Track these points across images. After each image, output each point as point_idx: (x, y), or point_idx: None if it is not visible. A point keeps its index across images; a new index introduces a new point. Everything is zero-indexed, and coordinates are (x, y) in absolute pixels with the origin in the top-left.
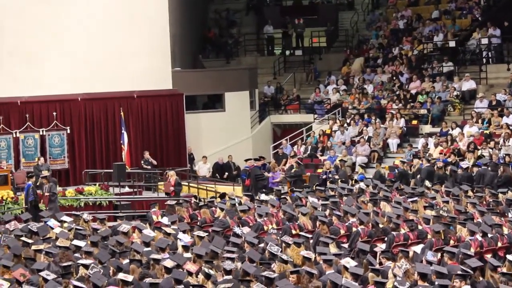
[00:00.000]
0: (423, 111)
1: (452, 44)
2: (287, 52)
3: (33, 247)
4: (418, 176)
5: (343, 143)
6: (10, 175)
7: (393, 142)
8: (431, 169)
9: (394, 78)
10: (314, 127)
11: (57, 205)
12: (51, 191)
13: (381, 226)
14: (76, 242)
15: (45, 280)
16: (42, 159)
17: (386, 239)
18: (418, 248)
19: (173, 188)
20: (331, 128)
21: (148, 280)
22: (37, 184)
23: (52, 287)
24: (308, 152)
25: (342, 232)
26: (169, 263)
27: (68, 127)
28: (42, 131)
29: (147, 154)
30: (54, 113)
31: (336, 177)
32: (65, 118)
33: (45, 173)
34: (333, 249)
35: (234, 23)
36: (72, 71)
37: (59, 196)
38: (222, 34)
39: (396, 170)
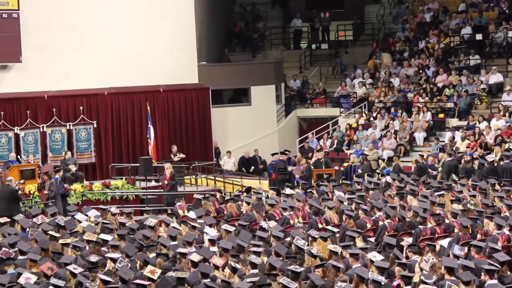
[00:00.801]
0: (449, 105)
1: (479, 37)
2: (313, 46)
3: (61, 241)
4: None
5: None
6: (37, 169)
7: (420, 136)
8: (453, 162)
9: (421, 71)
10: (340, 121)
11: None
12: (49, 189)
13: (407, 220)
14: (103, 236)
15: (73, 274)
16: (69, 153)
17: (412, 233)
18: (445, 242)
19: (167, 181)
20: (357, 122)
21: (175, 274)
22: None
23: (80, 280)
24: (334, 146)
25: (369, 226)
26: (195, 257)
27: (94, 122)
28: (69, 125)
29: (175, 148)
30: (81, 108)
31: (360, 171)
32: (91, 113)
33: (72, 167)
34: (359, 243)
35: (260, 17)
36: (98, 66)
37: (86, 190)
38: (248, 28)
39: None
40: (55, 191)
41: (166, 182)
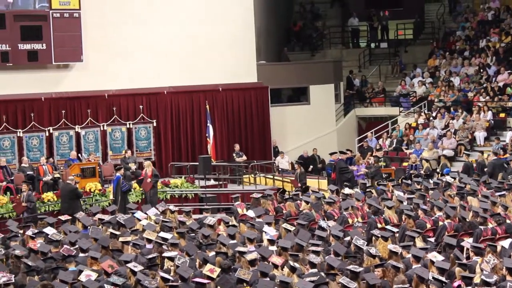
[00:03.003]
0: (511, 104)
1: None
2: (372, 45)
3: (121, 239)
4: (485, 169)
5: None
6: (98, 167)
7: (480, 135)
8: (498, 162)
9: (481, 70)
10: (400, 120)
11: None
12: (27, 201)
13: (468, 220)
14: (162, 234)
15: (133, 272)
16: (129, 152)
17: (473, 233)
18: (506, 243)
19: (150, 179)
20: (416, 121)
21: (236, 274)
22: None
23: (139, 278)
24: (394, 145)
25: (428, 226)
26: (252, 256)
27: (154, 120)
28: (129, 124)
29: (237, 147)
30: (141, 106)
31: (422, 172)
32: (151, 111)
33: (132, 166)
34: (419, 243)
35: (319, 16)
36: (158, 65)
37: None
38: (307, 27)
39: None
40: (33, 203)
41: (148, 180)
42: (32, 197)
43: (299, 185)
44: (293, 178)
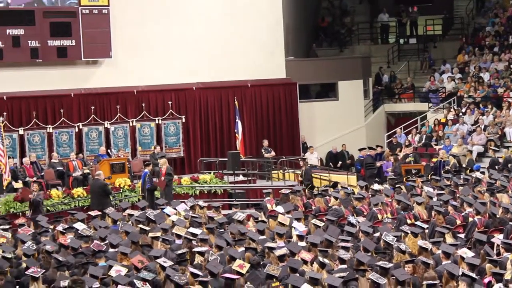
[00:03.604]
0: None
1: None
2: (401, 41)
3: (150, 234)
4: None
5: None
6: (127, 163)
7: (510, 131)
8: None
9: (511, 66)
10: (429, 116)
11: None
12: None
13: (498, 216)
14: (192, 229)
15: (162, 267)
16: (158, 147)
17: (503, 229)
18: None
19: (163, 177)
20: (446, 117)
21: (266, 270)
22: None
23: (169, 273)
24: (423, 141)
25: (458, 222)
26: (283, 252)
27: (183, 116)
28: (158, 120)
29: (266, 143)
30: (170, 102)
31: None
32: (180, 107)
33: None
34: (449, 239)
35: (347, 11)
36: (187, 61)
37: (175, 184)
38: (335, 23)
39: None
40: (40, 201)
41: (162, 178)
42: (41, 196)
43: (300, 180)
44: (299, 174)
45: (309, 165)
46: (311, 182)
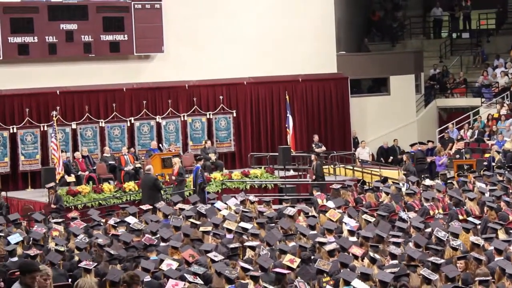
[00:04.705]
0: None
1: None
2: (454, 35)
3: (201, 229)
4: None
5: None
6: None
7: None
8: None
9: None
10: (482, 111)
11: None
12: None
13: None
14: (242, 224)
15: (213, 262)
16: (209, 142)
17: None
18: None
19: (174, 177)
20: (499, 112)
21: (316, 265)
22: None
23: (220, 268)
24: (475, 136)
25: (511, 218)
26: (333, 246)
27: (234, 111)
28: (209, 114)
29: (316, 138)
30: (221, 97)
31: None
32: (231, 102)
33: (212, 156)
34: (501, 235)
35: (399, 6)
36: (238, 55)
37: (225, 179)
38: (387, 17)
39: None
40: (61, 204)
41: (173, 177)
42: (59, 197)
43: (314, 177)
44: (310, 169)
45: (319, 160)
46: (323, 178)
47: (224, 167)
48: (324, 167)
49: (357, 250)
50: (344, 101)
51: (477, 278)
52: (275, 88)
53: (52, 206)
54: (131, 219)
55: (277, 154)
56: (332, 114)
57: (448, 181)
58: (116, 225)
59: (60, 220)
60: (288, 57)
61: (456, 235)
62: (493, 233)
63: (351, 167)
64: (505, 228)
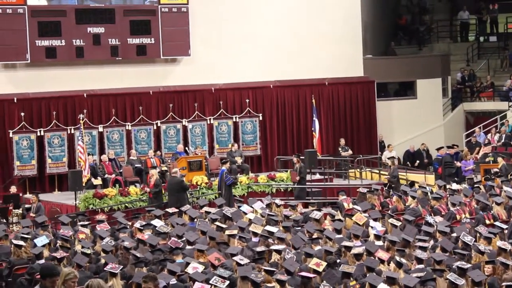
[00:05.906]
0: None
1: None
2: (481, 38)
3: (227, 232)
4: None
5: None
6: (204, 161)
7: None
8: None
9: None
10: (509, 115)
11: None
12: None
13: None
14: (268, 227)
15: (239, 265)
16: (235, 145)
17: None
18: None
19: (150, 189)
20: None
21: (341, 268)
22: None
23: (245, 271)
24: (502, 140)
25: None
26: (359, 250)
27: (260, 114)
28: (235, 117)
29: (343, 141)
30: (247, 100)
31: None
32: (257, 105)
33: (238, 159)
34: None
35: (426, 9)
36: (264, 59)
37: (252, 182)
38: (414, 21)
39: None
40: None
41: (148, 190)
42: (40, 207)
43: (298, 178)
44: (293, 171)
45: (302, 163)
46: (305, 180)
47: (250, 171)
48: (350, 170)
49: (383, 254)
50: (370, 104)
51: (504, 283)
52: (301, 92)
53: (31, 215)
54: (157, 222)
55: (303, 157)
56: (359, 117)
57: (475, 185)
58: (142, 228)
59: (86, 222)
60: (315, 60)
61: (489, 240)
62: None
63: (377, 171)
64: None
